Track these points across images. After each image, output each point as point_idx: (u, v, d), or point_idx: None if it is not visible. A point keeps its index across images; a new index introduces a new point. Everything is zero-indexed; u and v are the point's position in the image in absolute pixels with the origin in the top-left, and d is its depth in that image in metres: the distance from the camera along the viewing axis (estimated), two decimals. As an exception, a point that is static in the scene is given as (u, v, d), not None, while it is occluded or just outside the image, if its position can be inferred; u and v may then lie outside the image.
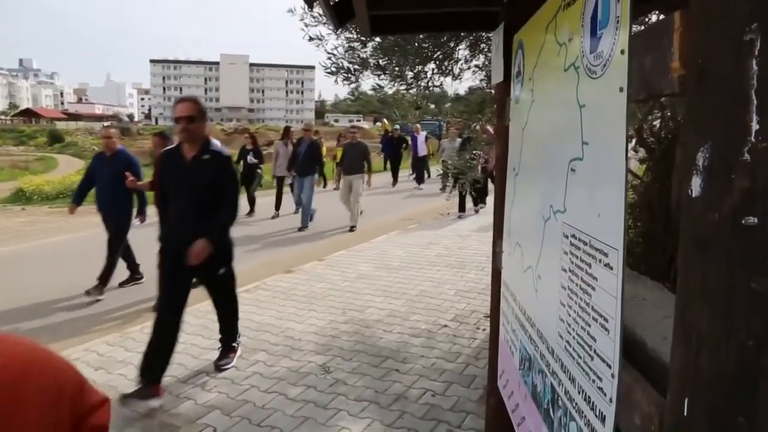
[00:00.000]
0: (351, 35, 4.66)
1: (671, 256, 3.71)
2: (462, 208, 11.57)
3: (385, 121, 28.16)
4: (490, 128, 15.54)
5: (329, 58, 4.50)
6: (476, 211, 11.86)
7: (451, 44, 4.71)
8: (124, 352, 4.71)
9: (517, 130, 2.10)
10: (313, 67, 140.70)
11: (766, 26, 0.68)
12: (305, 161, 10.80)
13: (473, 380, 4.09)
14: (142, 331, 5.18)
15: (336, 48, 4.79)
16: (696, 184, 0.80)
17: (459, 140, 12.33)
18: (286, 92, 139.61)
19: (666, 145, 3.96)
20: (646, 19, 2.98)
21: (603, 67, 1.16)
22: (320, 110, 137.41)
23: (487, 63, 5.37)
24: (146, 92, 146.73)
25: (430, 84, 4.95)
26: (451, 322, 5.37)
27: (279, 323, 5.39)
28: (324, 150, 15.55)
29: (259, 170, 11.96)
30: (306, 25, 4.61)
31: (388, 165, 20.70)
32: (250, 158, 11.82)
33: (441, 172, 9.96)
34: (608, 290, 1.17)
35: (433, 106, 6.91)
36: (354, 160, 10.65)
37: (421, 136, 18.19)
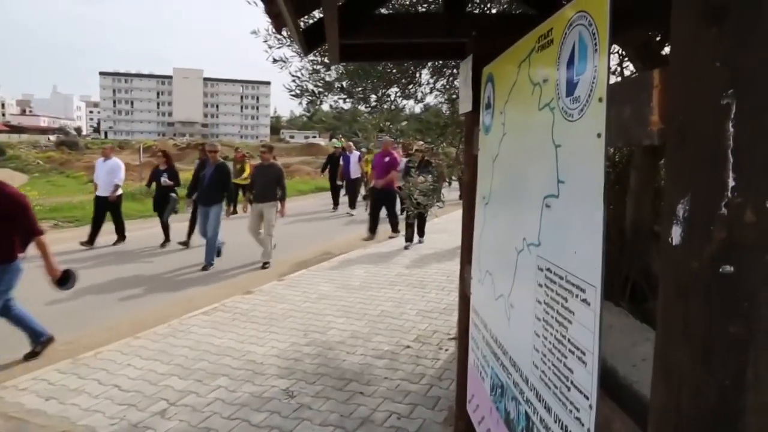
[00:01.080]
0: (315, 58, 4.69)
1: (626, 276, 3.86)
2: (410, 237, 10.61)
3: (341, 138, 28.22)
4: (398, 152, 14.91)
5: (294, 81, 4.51)
6: (420, 241, 10.79)
7: (414, 68, 4.80)
8: (77, 380, 4.52)
9: (487, 160, 2.16)
10: (268, 83, 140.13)
11: (742, 92, 0.74)
12: (210, 187, 8.94)
13: (438, 402, 4.11)
14: (96, 357, 5.00)
15: (300, 70, 4.81)
16: (676, 233, 0.85)
17: (404, 161, 11.65)
18: (241, 107, 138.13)
19: (620, 168, 4.13)
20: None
21: (580, 111, 1.23)
22: (276, 126, 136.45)
23: (448, 86, 5.50)
24: (95, 105, 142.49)
25: (393, 107, 5.02)
26: (413, 343, 5.39)
27: (240, 346, 5.29)
28: (247, 170, 14.67)
29: (173, 194, 10.58)
30: (270, 47, 4.61)
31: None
32: (164, 180, 10.47)
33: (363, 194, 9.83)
34: (585, 324, 1.22)
35: (390, 125, 6.98)
36: (266, 186, 9.06)
37: (354, 155, 15.77)
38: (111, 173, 10.45)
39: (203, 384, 4.45)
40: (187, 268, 8.93)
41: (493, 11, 3.71)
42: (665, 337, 0.90)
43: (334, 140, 31.77)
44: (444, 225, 12.50)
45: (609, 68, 1.09)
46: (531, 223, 1.57)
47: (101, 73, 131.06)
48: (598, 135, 1.13)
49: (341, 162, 15.96)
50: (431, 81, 5.21)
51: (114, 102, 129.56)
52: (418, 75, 4.75)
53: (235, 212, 13.89)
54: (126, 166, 11.82)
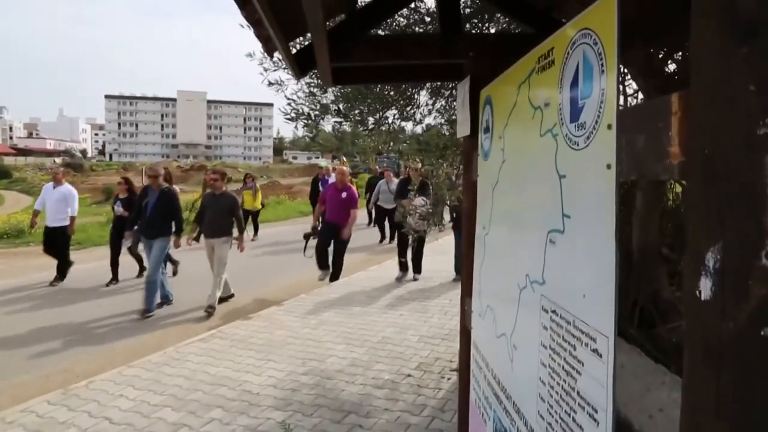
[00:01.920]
0: (311, 80, 4.61)
1: (634, 301, 3.71)
2: (404, 266, 9.44)
3: (344, 159, 28.18)
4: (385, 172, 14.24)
5: (289, 104, 4.43)
6: (415, 278, 9.41)
7: (412, 90, 4.71)
8: (67, 413, 4.36)
9: (487, 187, 2.04)
10: (271, 105, 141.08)
11: (783, 122, 0.61)
12: (154, 218, 7.66)
13: (440, 436, 3.94)
14: (88, 387, 4.84)
15: (296, 93, 4.73)
16: (705, 287, 0.72)
17: (396, 181, 11.19)
18: (244, 129, 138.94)
19: (626, 190, 4.01)
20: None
21: (586, 139, 1.10)
22: (279, 147, 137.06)
23: (447, 107, 5.40)
24: (101, 128, 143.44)
25: (392, 129, 4.92)
26: (414, 371, 5.22)
27: (236, 375, 5.13)
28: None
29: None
30: (265, 70, 4.54)
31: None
32: (117, 208, 9.18)
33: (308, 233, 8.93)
34: (597, 378, 1.08)
35: (391, 147, 6.89)
36: (217, 218, 7.74)
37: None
38: (62, 201, 9.24)
39: (197, 416, 4.28)
40: (121, 316, 7.55)
41: (491, 31, 3.62)
42: (693, 410, 0.77)
43: (336, 160, 31.47)
44: (446, 247, 12.33)
45: (618, 91, 0.96)
46: (534, 258, 1.43)
47: (107, 96, 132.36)
48: (608, 166, 1.00)
49: (320, 186, 14.64)
50: (430, 102, 5.12)
51: (119, 124, 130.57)
52: (416, 96, 4.66)
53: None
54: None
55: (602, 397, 1.05)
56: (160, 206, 7.67)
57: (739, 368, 0.68)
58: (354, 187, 9.63)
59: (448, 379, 5.01)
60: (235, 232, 8.06)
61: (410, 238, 5.16)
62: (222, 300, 7.94)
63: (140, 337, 6.65)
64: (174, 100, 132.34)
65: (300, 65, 2.70)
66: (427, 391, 4.74)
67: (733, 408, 0.69)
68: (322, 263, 9.07)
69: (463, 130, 2.40)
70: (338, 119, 4.36)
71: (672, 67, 3.75)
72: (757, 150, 0.63)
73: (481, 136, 2.15)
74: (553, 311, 1.31)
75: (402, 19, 3.93)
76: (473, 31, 3.39)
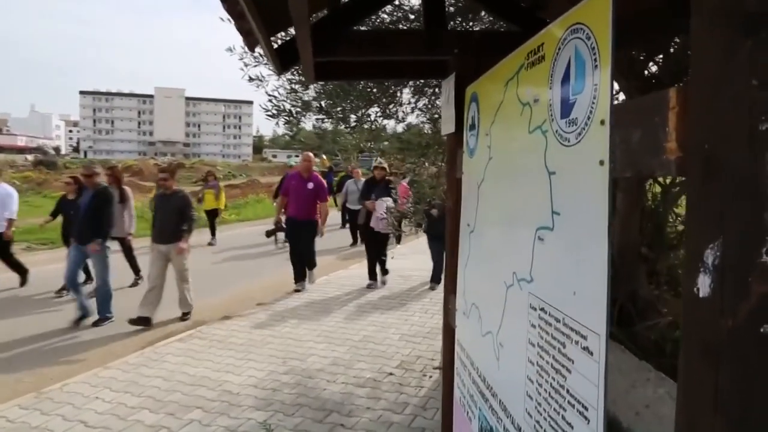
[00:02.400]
0: (293, 77, 4.56)
1: (613, 300, 3.75)
2: (374, 275, 8.85)
3: (324, 157, 28.00)
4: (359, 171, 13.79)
5: (270, 101, 4.37)
6: (383, 282, 8.89)
7: (394, 88, 4.69)
8: (40, 417, 4.24)
9: (472, 184, 2.02)
10: (251, 102, 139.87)
11: (786, 116, 0.61)
12: (86, 220, 6.76)
13: (422, 434, 3.93)
14: (62, 390, 4.73)
15: (277, 89, 4.67)
16: (704, 284, 0.71)
17: (363, 181, 10.57)
18: (224, 127, 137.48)
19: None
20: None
21: (578, 135, 1.09)
22: (258, 145, 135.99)
23: (429, 105, 5.40)
24: (75, 124, 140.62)
25: (374, 127, 4.89)
26: (396, 370, 5.20)
27: (215, 375, 5.05)
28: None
29: None
30: (245, 65, 4.47)
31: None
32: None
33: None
34: (587, 376, 1.07)
35: (372, 146, 6.86)
36: (168, 221, 6.88)
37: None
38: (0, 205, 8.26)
39: (176, 418, 4.21)
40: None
41: (476, 28, 3.62)
42: (690, 404, 0.76)
43: (316, 159, 31.13)
44: (424, 246, 12.34)
45: (612, 86, 0.95)
46: (522, 256, 1.42)
47: (81, 92, 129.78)
48: (601, 162, 0.99)
49: None
50: (412, 100, 5.11)
51: (94, 121, 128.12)
52: (399, 94, 4.64)
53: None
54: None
55: (593, 395, 1.04)
56: (93, 208, 6.82)
57: (738, 365, 0.67)
58: (321, 178, 8.63)
59: (430, 377, 5.01)
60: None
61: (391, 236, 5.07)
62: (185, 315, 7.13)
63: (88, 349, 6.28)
64: (151, 96, 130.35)
65: (282, 60, 2.66)
66: (409, 390, 4.73)
67: (731, 404, 0.68)
68: (297, 275, 8.30)
69: (447, 127, 2.39)
70: (320, 116, 4.32)
71: (653, 68, 3.79)
72: (758, 145, 0.62)
73: (467, 134, 2.14)
74: (542, 309, 1.30)
75: (386, 16, 3.91)
76: (458, 29, 3.38)
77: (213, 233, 13.85)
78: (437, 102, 5.33)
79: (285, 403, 4.46)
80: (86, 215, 6.83)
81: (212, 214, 13.78)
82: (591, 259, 1.03)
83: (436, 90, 4.93)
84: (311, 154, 8.55)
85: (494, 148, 1.74)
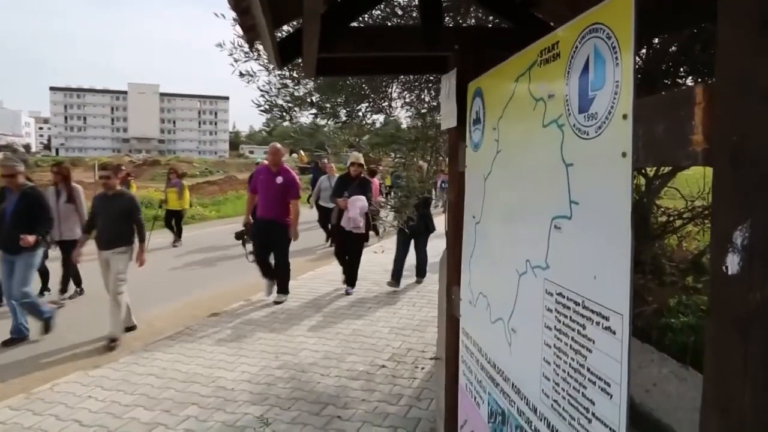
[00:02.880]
0: (283, 72, 4.57)
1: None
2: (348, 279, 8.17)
3: (301, 152, 27.80)
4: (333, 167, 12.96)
5: (262, 96, 4.38)
6: (347, 293, 8.04)
7: (384, 83, 4.74)
8: (32, 417, 4.21)
9: (477, 177, 2.09)
10: (227, 98, 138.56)
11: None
12: (14, 227, 5.79)
13: (418, 423, 4.01)
14: (52, 390, 4.69)
15: (266, 85, 4.68)
16: (733, 263, 0.78)
17: (336, 177, 9.95)
18: (199, 123, 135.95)
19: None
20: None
21: (598, 128, 1.16)
22: (235, 141, 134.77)
23: (416, 101, 5.46)
24: (45, 121, 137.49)
25: (363, 122, 4.94)
26: (388, 362, 5.28)
27: (208, 372, 5.06)
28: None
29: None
30: (236, 61, 4.47)
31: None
32: None
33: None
34: (610, 354, 1.14)
35: (360, 141, 6.88)
36: (110, 225, 6.04)
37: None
38: None
39: (171, 414, 4.22)
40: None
41: (471, 22, 3.68)
42: (719, 372, 0.83)
43: (294, 155, 30.84)
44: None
45: (635, 83, 1.02)
46: (536, 244, 1.49)
47: (52, 88, 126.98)
48: (623, 154, 1.06)
49: None
50: (401, 96, 5.16)
51: (66, 118, 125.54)
52: (389, 90, 4.69)
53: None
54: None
55: (616, 371, 1.12)
56: (20, 212, 5.87)
57: (766, 334, 0.74)
58: (294, 172, 7.74)
59: (422, 368, 5.09)
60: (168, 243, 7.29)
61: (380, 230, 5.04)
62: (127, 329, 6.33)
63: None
64: (125, 92, 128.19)
65: (282, 55, 2.69)
66: (402, 381, 4.81)
67: (759, 369, 0.76)
68: (265, 271, 7.49)
69: (448, 122, 2.45)
70: (312, 111, 4.35)
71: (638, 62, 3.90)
72: (785, 136, 0.70)
73: (470, 128, 2.20)
74: (559, 293, 1.37)
75: (378, 12, 3.96)
76: (450, 25, 3.44)
77: (178, 234, 12.99)
78: (424, 96, 5.40)
79: (280, 397, 4.50)
80: (12, 222, 5.82)
81: (176, 215, 12.90)
82: (613, 245, 1.10)
83: (429, 85, 5.00)
84: (278, 145, 7.54)
85: (503, 141, 1.80)
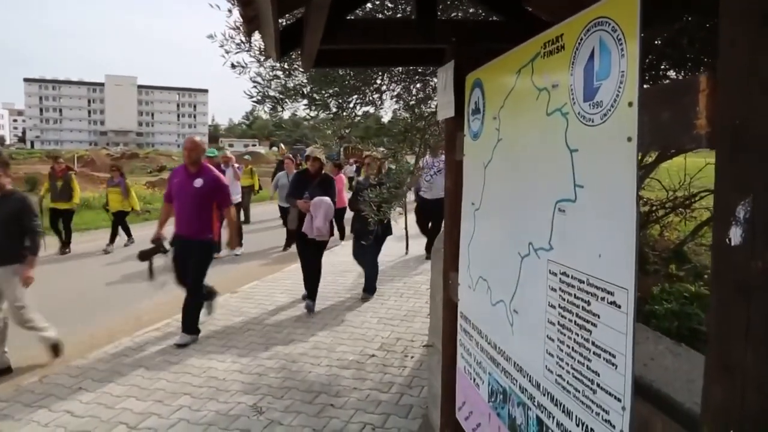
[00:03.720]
0: (274, 64, 4.59)
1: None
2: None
3: (282, 146, 27.66)
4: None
5: (254, 87, 4.40)
6: (308, 309, 6.77)
7: (375, 75, 4.78)
8: (22, 408, 4.20)
9: (477, 165, 2.16)
10: (206, 91, 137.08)
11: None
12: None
13: (410, 410, 4.09)
14: (41, 383, 4.68)
15: (256, 76, 4.70)
16: (736, 234, 0.86)
17: (295, 172, 8.87)
18: (178, 116, 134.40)
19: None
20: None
21: (603, 116, 1.23)
22: (214, 134, 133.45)
23: (402, 92, 5.51)
24: (19, 113, 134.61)
25: (354, 114, 4.98)
26: (378, 351, 5.35)
27: (199, 363, 5.09)
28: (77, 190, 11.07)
29: None
30: (227, 52, 4.48)
31: None
32: None
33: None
34: (615, 327, 1.22)
35: (348, 133, 6.91)
36: None
37: (230, 170, 10.80)
38: None
39: (164, 404, 4.25)
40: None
41: (459, 16, 3.75)
42: (723, 336, 0.91)
43: (274, 148, 30.61)
44: (400, 233, 12.52)
45: (640, 73, 1.10)
46: (539, 228, 1.57)
47: (26, 80, 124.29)
48: (629, 139, 1.14)
49: None
50: (390, 88, 5.21)
51: (41, 110, 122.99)
52: (379, 82, 4.75)
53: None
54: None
55: (621, 343, 1.20)
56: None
57: (766, 300, 0.82)
58: (215, 170, 6.08)
59: (412, 357, 5.17)
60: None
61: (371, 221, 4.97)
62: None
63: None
64: (102, 84, 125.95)
65: (281, 47, 2.73)
66: (393, 370, 4.89)
67: (760, 332, 0.84)
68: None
69: (446, 112, 2.52)
70: (304, 103, 4.38)
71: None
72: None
73: (469, 118, 2.27)
74: (563, 273, 1.45)
75: (369, 5, 4.00)
76: (443, 17, 3.50)
77: (128, 234, 11.64)
78: (412, 89, 5.46)
79: (273, 387, 4.55)
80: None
81: (120, 216, 11.43)
82: (619, 223, 1.18)
83: (413, 77, 5.06)
84: (196, 139, 5.86)
85: (504, 130, 1.88)
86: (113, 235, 11.42)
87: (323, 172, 6.86)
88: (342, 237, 11.51)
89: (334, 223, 7.51)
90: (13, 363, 5.12)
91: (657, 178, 4.82)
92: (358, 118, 5.06)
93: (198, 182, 5.58)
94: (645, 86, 1.11)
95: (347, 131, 5.42)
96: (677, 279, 4.09)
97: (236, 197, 10.43)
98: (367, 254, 7.28)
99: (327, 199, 6.40)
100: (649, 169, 4.21)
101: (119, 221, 11.50)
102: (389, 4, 4.47)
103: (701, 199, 4.55)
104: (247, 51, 4.41)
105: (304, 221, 6.42)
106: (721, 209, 0.89)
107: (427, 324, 4.63)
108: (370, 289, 7.43)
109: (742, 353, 0.87)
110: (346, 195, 10.42)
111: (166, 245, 5.85)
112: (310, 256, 6.75)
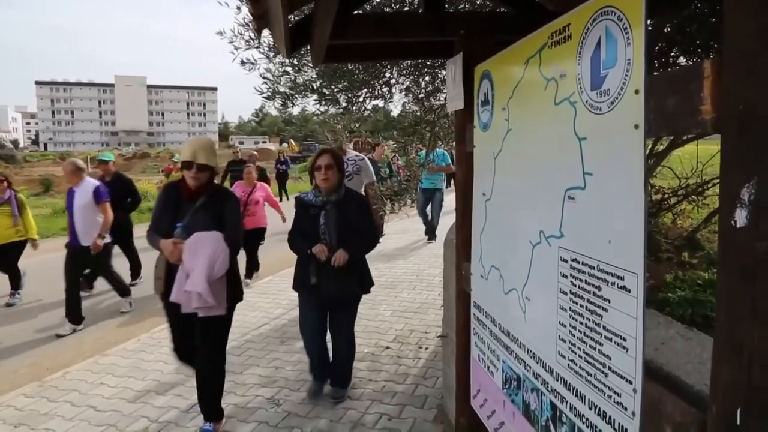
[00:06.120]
0: (283, 60, 4.63)
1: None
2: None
3: (292, 142, 27.76)
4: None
5: (265, 83, 4.45)
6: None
7: (384, 69, 4.81)
8: (47, 404, 4.30)
9: (487, 156, 2.19)
10: (215, 89, 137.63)
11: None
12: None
13: (425, 400, 4.13)
14: (64, 378, 4.78)
15: (266, 73, 4.74)
16: (741, 216, 0.89)
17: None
18: (188, 114, 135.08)
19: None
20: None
21: (610, 104, 1.26)
22: (224, 132, 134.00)
23: (411, 85, 5.53)
24: (32, 116, 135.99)
25: (363, 108, 5.02)
26: (392, 344, 5.39)
27: (216, 357, 5.15)
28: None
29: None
30: (236, 48, 4.53)
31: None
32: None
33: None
34: (625, 311, 1.25)
35: (359, 127, 6.94)
36: None
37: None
38: None
39: (184, 398, 4.32)
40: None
41: (467, 7, 3.76)
42: (730, 315, 0.94)
43: (284, 144, 30.80)
44: (405, 225, 12.58)
45: (646, 61, 1.12)
46: (550, 215, 1.59)
47: (37, 83, 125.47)
48: (636, 126, 1.16)
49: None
50: (398, 81, 5.24)
51: (53, 112, 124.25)
52: (388, 75, 4.77)
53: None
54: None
55: (632, 326, 1.22)
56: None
57: (771, 279, 0.85)
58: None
59: (426, 348, 5.21)
60: None
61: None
62: None
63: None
64: (111, 85, 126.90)
65: (291, 43, 2.76)
66: (408, 361, 4.93)
67: (766, 310, 0.86)
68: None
69: (456, 104, 2.54)
70: (314, 98, 4.42)
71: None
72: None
73: (478, 109, 2.29)
74: (574, 260, 1.47)
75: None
76: (450, 10, 3.52)
77: (14, 280, 7.56)
78: (422, 81, 5.47)
79: (289, 380, 4.60)
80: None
81: (10, 251, 7.33)
82: (628, 209, 1.20)
83: (422, 70, 5.07)
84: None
85: (513, 120, 1.90)
86: (12, 277, 7.54)
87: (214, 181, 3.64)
88: (251, 274, 8.15)
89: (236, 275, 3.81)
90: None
91: (669, 165, 4.80)
92: (368, 112, 5.08)
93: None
94: (654, 73, 1.13)
95: (357, 125, 5.45)
96: (690, 266, 4.09)
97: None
98: (339, 324, 4.17)
99: (216, 235, 3.41)
100: (661, 156, 4.20)
101: (10, 258, 7.38)
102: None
103: (713, 186, 4.54)
104: (257, 47, 4.46)
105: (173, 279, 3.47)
106: (727, 192, 0.92)
107: (440, 315, 4.66)
108: (343, 381, 4.28)
109: (749, 333, 0.89)
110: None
111: None
112: (195, 344, 3.77)
